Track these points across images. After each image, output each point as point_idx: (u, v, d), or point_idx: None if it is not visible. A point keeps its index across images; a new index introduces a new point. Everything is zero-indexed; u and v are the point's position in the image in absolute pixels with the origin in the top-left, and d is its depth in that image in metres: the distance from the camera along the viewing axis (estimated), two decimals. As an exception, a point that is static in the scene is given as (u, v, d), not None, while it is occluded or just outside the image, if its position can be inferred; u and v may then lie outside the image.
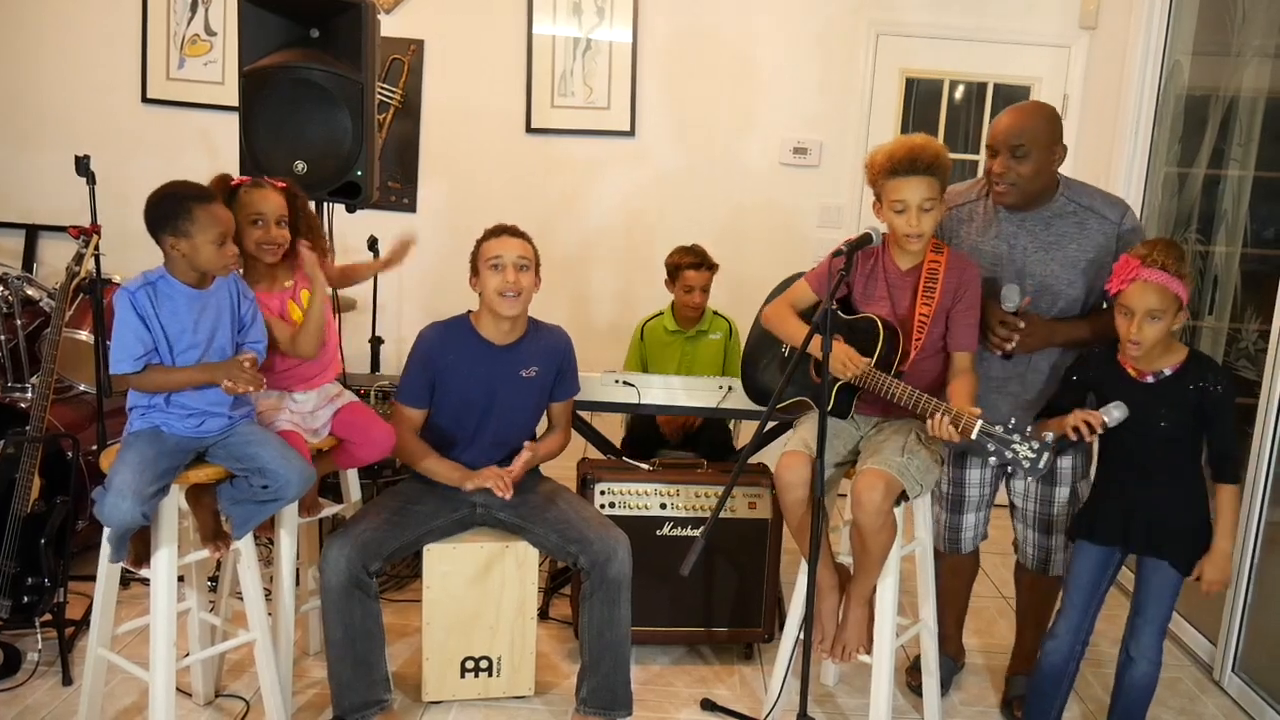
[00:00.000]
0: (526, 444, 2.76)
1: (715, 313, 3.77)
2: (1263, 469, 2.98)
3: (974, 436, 2.21)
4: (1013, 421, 2.19)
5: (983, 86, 4.63)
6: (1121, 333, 2.33)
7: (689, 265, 3.64)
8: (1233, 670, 3.10)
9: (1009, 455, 2.17)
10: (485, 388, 2.71)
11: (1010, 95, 4.57)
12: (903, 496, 2.41)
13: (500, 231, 2.69)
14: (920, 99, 4.66)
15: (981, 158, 4.61)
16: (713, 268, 3.67)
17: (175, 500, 2.28)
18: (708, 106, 4.64)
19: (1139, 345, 2.29)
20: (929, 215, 2.41)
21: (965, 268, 2.52)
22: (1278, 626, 3.00)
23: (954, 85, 4.66)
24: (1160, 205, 4.05)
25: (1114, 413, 2.29)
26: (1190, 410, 2.33)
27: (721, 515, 2.65)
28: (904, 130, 4.66)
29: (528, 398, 2.78)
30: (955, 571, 2.96)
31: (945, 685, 2.98)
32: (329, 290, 2.58)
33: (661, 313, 3.81)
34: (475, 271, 2.70)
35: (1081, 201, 2.60)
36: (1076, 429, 2.29)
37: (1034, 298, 2.60)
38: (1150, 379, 2.36)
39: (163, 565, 2.26)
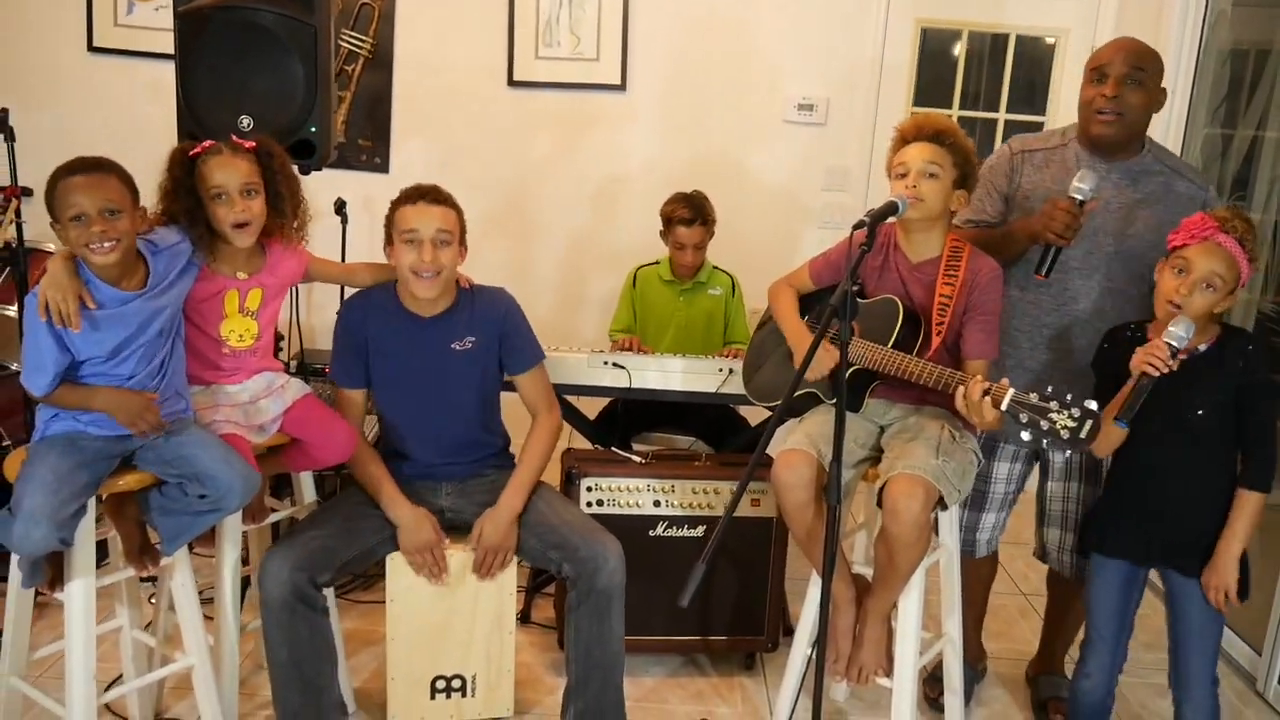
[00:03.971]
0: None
1: (716, 267, 3.40)
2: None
3: (1003, 408, 1.94)
4: (1049, 389, 1.90)
5: (1003, 38, 4.28)
6: (1166, 290, 2.01)
7: (681, 220, 3.23)
8: (1279, 682, 2.84)
9: (1045, 427, 1.87)
10: (416, 366, 2.40)
11: (1033, 49, 4.24)
12: (939, 504, 2.12)
13: (418, 197, 2.32)
14: (932, 53, 4.31)
15: (1001, 116, 4.31)
16: (709, 223, 3.27)
17: (94, 515, 1.97)
18: (705, 58, 4.26)
19: (1181, 310, 1.98)
20: (932, 182, 2.19)
21: (986, 260, 2.28)
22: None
23: (971, 37, 4.32)
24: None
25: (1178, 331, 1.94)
26: (1230, 393, 2.04)
27: (722, 513, 2.41)
28: (918, 86, 4.32)
29: (468, 374, 2.43)
30: (973, 574, 2.68)
31: (967, 697, 2.71)
32: None
33: (658, 261, 3.45)
34: (389, 240, 2.36)
35: (1168, 163, 2.41)
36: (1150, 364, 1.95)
37: (1107, 267, 2.36)
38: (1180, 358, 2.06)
39: (78, 598, 1.95)
